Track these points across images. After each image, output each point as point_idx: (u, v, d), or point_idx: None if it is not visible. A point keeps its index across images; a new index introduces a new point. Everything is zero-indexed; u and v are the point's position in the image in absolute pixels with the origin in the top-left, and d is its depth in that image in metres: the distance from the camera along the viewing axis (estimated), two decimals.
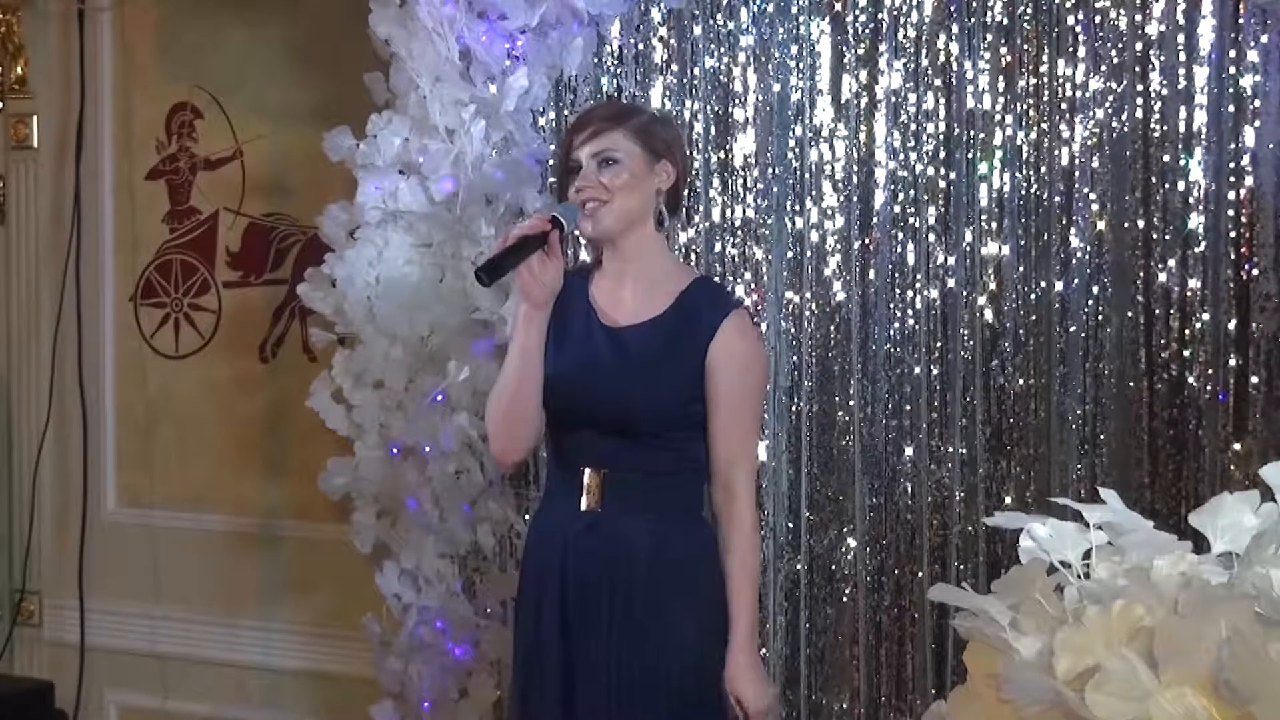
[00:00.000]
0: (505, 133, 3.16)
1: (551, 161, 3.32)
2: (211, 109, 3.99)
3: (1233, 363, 2.92)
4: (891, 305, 3.18)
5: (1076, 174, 3.04)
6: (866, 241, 3.21)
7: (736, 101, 3.29)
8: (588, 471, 2.53)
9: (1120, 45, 3.00)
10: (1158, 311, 2.98)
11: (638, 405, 2.50)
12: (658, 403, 2.51)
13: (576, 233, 2.58)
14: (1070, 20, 3.03)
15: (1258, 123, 2.89)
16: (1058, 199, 3.05)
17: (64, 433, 4.18)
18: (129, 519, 4.13)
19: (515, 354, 2.52)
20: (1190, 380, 2.95)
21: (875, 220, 3.20)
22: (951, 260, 3.14)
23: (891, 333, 3.19)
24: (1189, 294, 2.95)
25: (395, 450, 3.19)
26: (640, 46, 3.34)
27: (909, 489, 3.18)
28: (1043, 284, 3.07)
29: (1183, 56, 2.94)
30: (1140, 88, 2.98)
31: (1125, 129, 3.00)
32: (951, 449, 3.14)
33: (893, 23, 3.16)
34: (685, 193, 2.69)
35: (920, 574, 3.17)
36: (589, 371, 2.53)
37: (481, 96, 3.12)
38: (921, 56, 3.14)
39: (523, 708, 2.63)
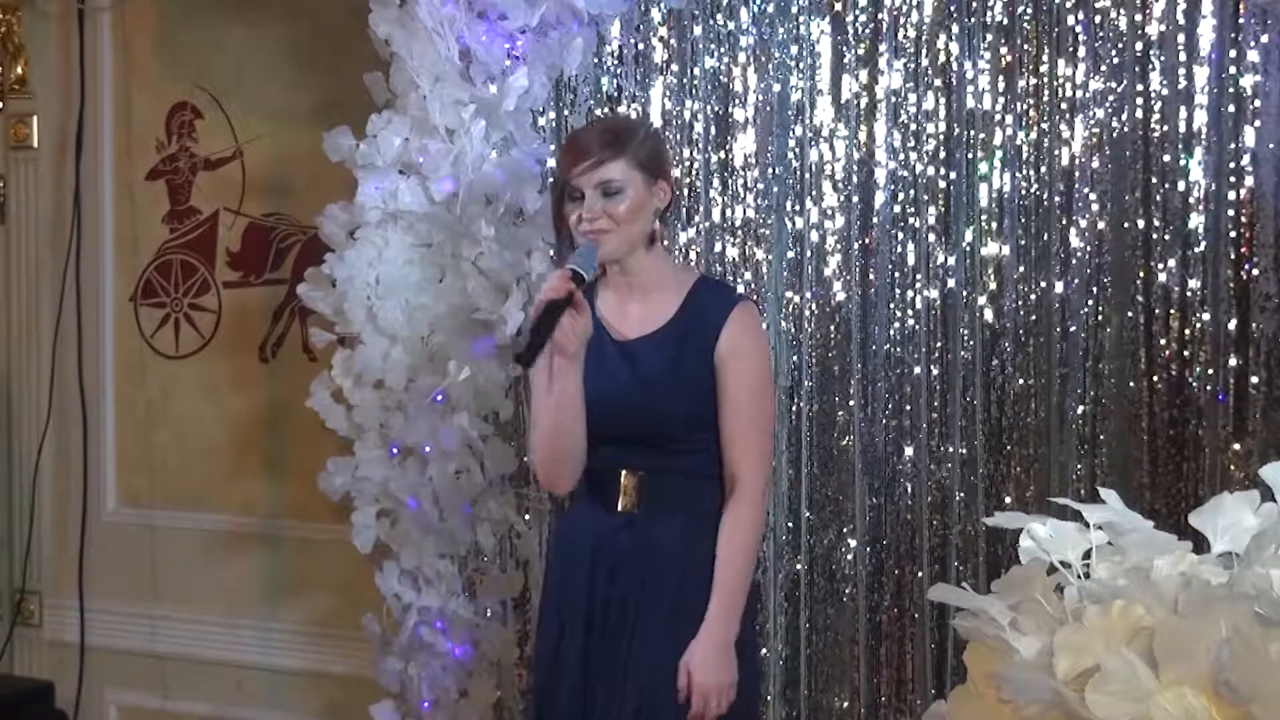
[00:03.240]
0: (505, 133, 3.16)
1: (551, 162, 3.32)
2: (211, 109, 3.99)
3: (1233, 363, 2.92)
4: (891, 305, 3.18)
5: (1076, 174, 3.04)
6: (866, 241, 3.21)
7: (736, 101, 3.29)
8: (624, 474, 2.57)
9: (1120, 45, 2.99)
10: (1158, 311, 2.98)
11: (657, 415, 2.55)
12: (676, 409, 2.56)
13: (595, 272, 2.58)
14: (1070, 20, 3.03)
15: (1258, 123, 2.89)
16: (1058, 199, 3.05)
17: (64, 433, 4.18)
18: (129, 519, 4.13)
19: (553, 402, 2.54)
20: (1190, 380, 2.95)
21: (875, 220, 3.20)
22: (951, 260, 3.14)
23: (891, 333, 3.19)
24: (1189, 294, 2.95)
25: (395, 450, 3.19)
26: (640, 46, 3.33)
27: (909, 489, 3.18)
28: (1043, 284, 3.07)
29: (1183, 56, 2.94)
30: (1140, 88, 2.98)
31: (1125, 129, 3.00)
32: (951, 449, 3.13)
33: (893, 23, 3.16)
34: (672, 204, 2.73)
35: (920, 574, 3.16)
36: (605, 389, 2.57)
37: (481, 96, 3.11)
38: (921, 56, 3.14)
39: (541, 705, 2.65)
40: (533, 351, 2.44)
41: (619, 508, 2.58)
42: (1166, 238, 2.96)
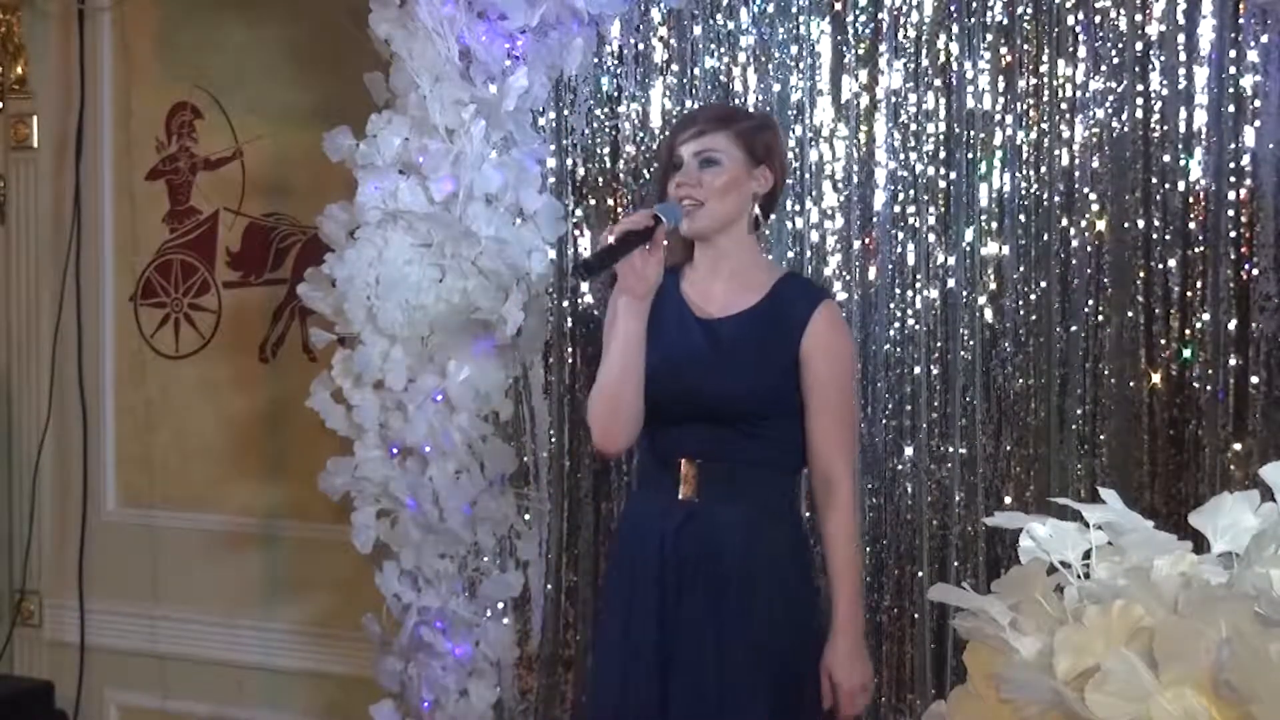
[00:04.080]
0: (505, 133, 3.16)
1: (551, 163, 3.32)
2: (211, 109, 3.99)
3: (1233, 363, 2.91)
4: (891, 305, 3.18)
5: (1076, 174, 3.04)
6: (866, 241, 3.21)
7: (736, 101, 3.29)
8: (684, 462, 2.59)
9: (1120, 45, 2.99)
10: (1158, 311, 2.97)
11: (732, 394, 2.56)
12: (752, 392, 2.57)
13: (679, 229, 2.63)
14: (1070, 20, 3.03)
15: (1258, 123, 2.88)
16: (1058, 199, 3.05)
17: (64, 433, 4.18)
18: (129, 519, 4.13)
19: (619, 345, 2.58)
20: (1190, 380, 2.95)
21: (875, 220, 3.20)
22: (951, 260, 3.14)
23: (891, 333, 3.18)
24: (1189, 294, 2.95)
25: (395, 450, 3.19)
26: (640, 46, 3.33)
27: (909, 489, 3.18)
28: (1043, 284, 3.07)
29: (1183, 56, 2.94)
30: (1140, 88, 2.98)
31: (1125, 129, 2.99)
32: (951, 449, 3.13)
33: (893, 23, 3.15)
34: (780, 197, 2.83)
35: (920, 574, 3.16)
36: (684, 363, 2.60)
37: (481, 96, 3.11)
38: (921, 56, 3.14)
39: (605, 700, 2.67)
40: (594, 266, 2.51)
41: (680, 496, 2.59)
42: (1167, 238, 2.96)
